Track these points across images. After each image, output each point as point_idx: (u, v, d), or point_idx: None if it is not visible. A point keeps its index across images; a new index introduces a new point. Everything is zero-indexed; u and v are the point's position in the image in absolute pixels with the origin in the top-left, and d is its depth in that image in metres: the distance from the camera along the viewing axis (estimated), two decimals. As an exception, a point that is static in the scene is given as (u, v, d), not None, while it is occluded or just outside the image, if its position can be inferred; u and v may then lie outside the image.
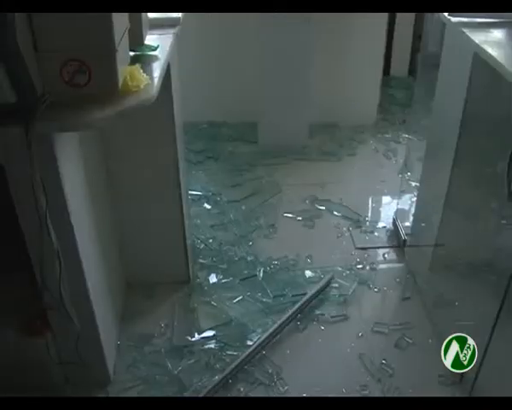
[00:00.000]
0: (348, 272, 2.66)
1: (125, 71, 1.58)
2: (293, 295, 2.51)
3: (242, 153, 3.60)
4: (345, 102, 3.76)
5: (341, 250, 2.81)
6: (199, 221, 2.97)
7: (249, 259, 2.72)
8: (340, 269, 2.67)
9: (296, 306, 2.42)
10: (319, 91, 3.54)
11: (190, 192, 3.02)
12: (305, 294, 2.50)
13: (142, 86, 1.60)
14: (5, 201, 1.71)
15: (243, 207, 3.10)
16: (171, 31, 2.04)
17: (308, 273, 2.65)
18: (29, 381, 2.08)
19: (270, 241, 2.88)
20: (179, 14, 2.13)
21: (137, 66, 1.65)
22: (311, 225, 2.98)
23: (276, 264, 2.70)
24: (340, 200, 3.15)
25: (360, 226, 2.97)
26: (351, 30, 3.57)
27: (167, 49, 1.90)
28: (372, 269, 2.69)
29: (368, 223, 3.00)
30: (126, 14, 1.62)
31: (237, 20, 3.39)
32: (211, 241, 2.85)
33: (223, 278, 2.62)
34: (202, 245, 2.81)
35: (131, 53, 1.73)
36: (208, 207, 3.11)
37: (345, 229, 2.96)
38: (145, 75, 1.64)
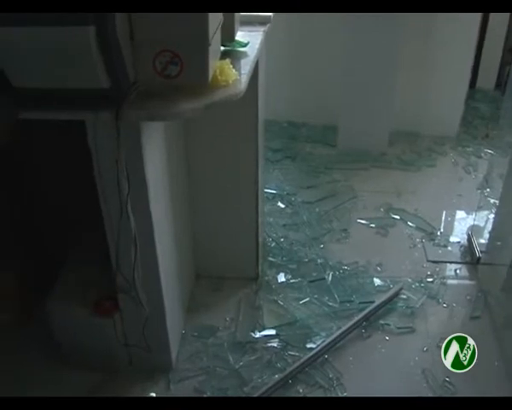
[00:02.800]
0: (418, 284, 2.61)
1: (216, 65, 1.60)
2: (360, 302, 2.49)
3: (320, 155, 3.58)
4: (427, 112, 3.69)
5: (413, 261, 2.75)
6: (272, 219, 2.97)
7: (319, 261, 2.71)
8: (409, 280, 2.62)
9: (362, 313, 2.40)
10: (401, 98, 3.49)
11: (265, 190, 3.02)
12: (372, 302, 2.47)
13: (230, 81, 1.62)
14: (88, 182, 1.77)
15: (317, 210, 3.08)
16: (262, 28, 2.04)
17: (377, 282, 2.62)
18: (93, 359, 2.14)
19: (341, 245, 2.85)
20: (270, 12, 2.13)
21: (227, 61, 1.67)
22: (383, 234, 2.94)
23: (346, 269, 2.68)
24: (415, 210, 3.10)
25: (433, 239, 2.91)
26: (440, 38, 3.49)
27: (257, 46, 1.90)
28: (442, 284, 2.62)
29: (442, 236, 2.94)
30: (220, 8, 1.63)
31: (323, 22, 3.40)
32: (282, 240, 2.85)
33: (291, 279, 2.62)
34: (273, 243, 2.82)
35: (222, 48, 1.74)
36: (282, 206, 3.11)
37: (418, 240, 2.90)
38: (234, 70, 1.66)
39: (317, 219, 3.02)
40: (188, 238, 2.43)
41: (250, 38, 1.93)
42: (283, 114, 3.75)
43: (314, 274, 2.64)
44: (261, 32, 2.02)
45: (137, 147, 1.62)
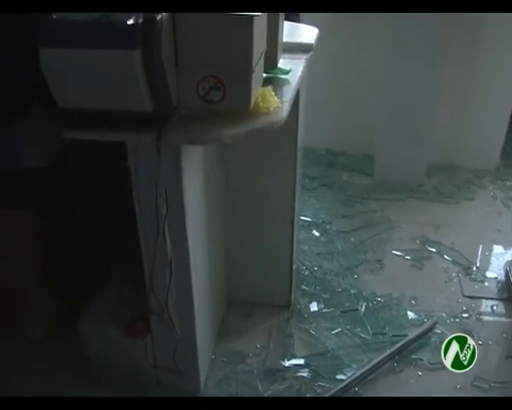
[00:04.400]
0: (453, 319, 2.55)
1: (258, 92, 1.60)
2: (393, 335, 2.45)
3: (357, 184, 3.56)
4: (466, 143, 3.63)
5: (448, 296, 2.70)
6: (306, 247, 2.96)
7: (352, 292, 2.68)
8: (444, 315, 2.57)
9: (395, 347, 2.36)
10: (441, 129, 3.45)
11: (301, 217, 3.01)
12: (405, 336, 2.42)
13: (272, 108, 1.62)
14: (126, 203, 1.78)
15: (352, 239, 3.06)
16: (304, 56, 2.04)
17: (411, 315, 2.57)
18: (122, 378, 2.14)
19: (375, 276, 2.82)
20: (312, 40, 2.14)
21: (269, 88, 1.67)
22: (419, 266, 2.90)
23: (379, 301, 2.64)
24: (451, 244, 3.05)
25: (470, 274, 2.85)
26: (481, 67, 3.44)
27: (299, 74, 1.90)
28: (478, 320, 2.56)
29: (478, 271, 2.87)
30: (265, 36, 1.63)
31: (364, 50, 3.40)
32: (316, 269, 2.82)
33: (323, 308, 2.59)
34: (307, 272, 2.80)
35: (265, 74, 1.75)
36: (317, 234, 3.09)
37: (454, 274, 2.85)
38: (276, 98, 1.66)
39: (352, 248, 2.99)
40: (221, 262, 2.42)
41: (292, 65, 1.92)
42: (321, 142, 3.74)
43: (347, 304, 2.61)
44: (303, 60, 2.02)
45: (177, 170, 1.63)
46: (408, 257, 2.96)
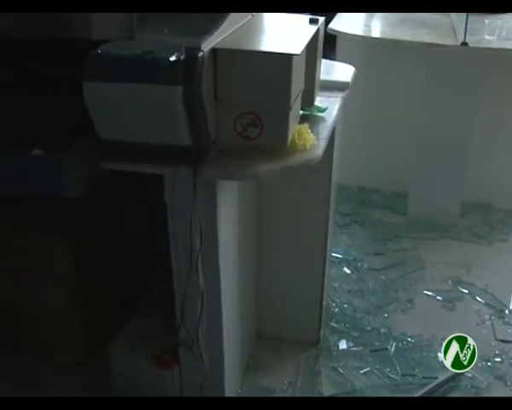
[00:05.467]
0: (484, 363, 2.50)
1: (295, 129, 1.62)
2: (423, 377, 2.41)
3: (389, 222, 3.54)
4: (500, 184, 3.62)
5: (480, 339, 2.62)
6: (336, 284, 2.94)
7: (382, 331, 2.65)
8: (476, 359, 2.53)
9: (425, 389, 2.32)
10: (475, 168, 3.43)
11: (332, 254, 3.00)
12: (435, 378, 2.38)
13: (308, 146, 1.64)
14: (160, 235, 1.80)
15: (383, 277, 3.03)
16: (340, 94, 2.06)
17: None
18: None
19: (406, 316, 2.78)
20: (348, 79, 2.15)
21: (306, 125, 1.69)
22: (450, 307, 2.85)
23: (410, 341, 2.60)
24: (484, 285, 3.00)
25: (503, 317, 2.80)
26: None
27: (335, 112, 1.92)
28: (511, 365, 2.51)
29: (512, 315, 2.84)
30: (303, 74, 1.65)
31: (399, 88, 3.41)
32: (346, 306, 2.80)
33: (353, 346, 2.56)
34: (337, 309, 2.78)
35: (301, 112, 1.76)
36: (348, 271, 3.08)
37: (486, 317, 2.80)
38: (312, 135, 1.67)
39: (383, 287, 2.97)
40: (251, 297, 2.42)
41: (328, 103, 1.94)
42: (355, 179, 3.74)
43: (376, 344, 2.58)
44: (339, 98, 2.03)
45: (212, 204, 1.65)
46: (439, 298, 2.92)
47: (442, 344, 2.55)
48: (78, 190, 1.53)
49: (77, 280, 2.18)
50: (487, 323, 2.77)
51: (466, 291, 2.97)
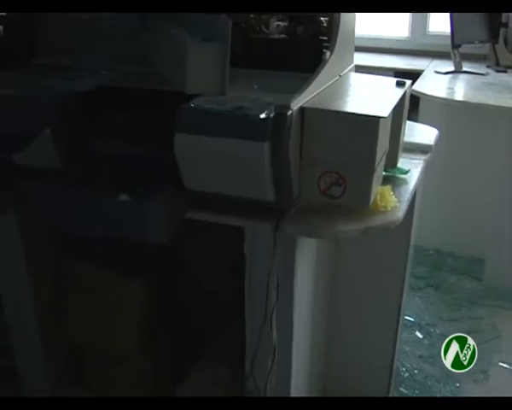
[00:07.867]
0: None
1: (377, 190, 1.62)
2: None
3: (464, 288, 3.44)
4: None
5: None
6: (407, 348, 2.87)
7: (453, 401, 2.56)
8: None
9: None
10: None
11: (404, 317, 2.93)
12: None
13: (389, 208, 1.63)
14: (235, 286, 1.82)
15: (456, 345, 2.94)
16: (422, 157, 2.05)
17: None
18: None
19: (478, 387, 2.68)
20: (431, 142, 2.14)
21: (388, 187, 1.68)
22: (526, 382, 2.74)
23: (481, 415, 2.50)
24: (563, 361, 2.87)
25: None
26: None
27: (417, 174, 1.90)
28: None
29: None
30: (388, 136, 1.66)
31: (478, 152, 3.37)
32: (416, 372, 2.73)
33: (421, 414, 2.49)
34: (407, 374, 2.71)
35: (384, 173, 1.76)
36: (420, 336, 3.00)
37: None
38: (394, 197, 1.67)
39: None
40: (320, 353, 2.39)
41: (411, 165, 1.93)
42: (430, 241, 3.67)
43: (446, 413, 2.49)
44: (421, 161, 2.02)
45: (291, 260, 1.65)
46: (515, 371, 2.81)
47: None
48: (161, 236, 1.57)
49: (147, 325, 2.20)
50: None
51: (544, 366, 2.85)
